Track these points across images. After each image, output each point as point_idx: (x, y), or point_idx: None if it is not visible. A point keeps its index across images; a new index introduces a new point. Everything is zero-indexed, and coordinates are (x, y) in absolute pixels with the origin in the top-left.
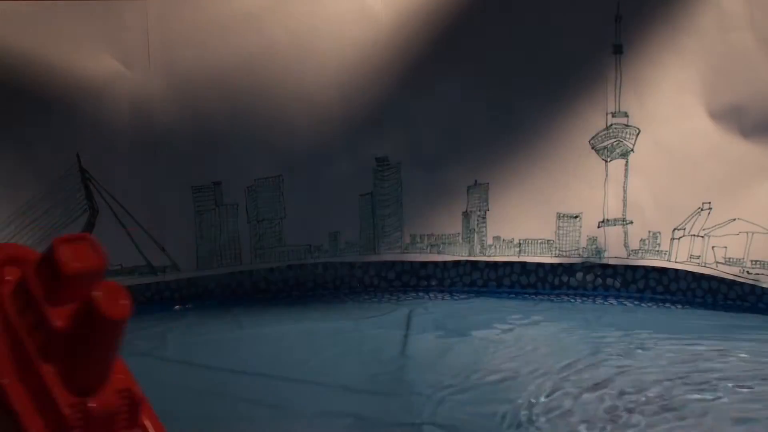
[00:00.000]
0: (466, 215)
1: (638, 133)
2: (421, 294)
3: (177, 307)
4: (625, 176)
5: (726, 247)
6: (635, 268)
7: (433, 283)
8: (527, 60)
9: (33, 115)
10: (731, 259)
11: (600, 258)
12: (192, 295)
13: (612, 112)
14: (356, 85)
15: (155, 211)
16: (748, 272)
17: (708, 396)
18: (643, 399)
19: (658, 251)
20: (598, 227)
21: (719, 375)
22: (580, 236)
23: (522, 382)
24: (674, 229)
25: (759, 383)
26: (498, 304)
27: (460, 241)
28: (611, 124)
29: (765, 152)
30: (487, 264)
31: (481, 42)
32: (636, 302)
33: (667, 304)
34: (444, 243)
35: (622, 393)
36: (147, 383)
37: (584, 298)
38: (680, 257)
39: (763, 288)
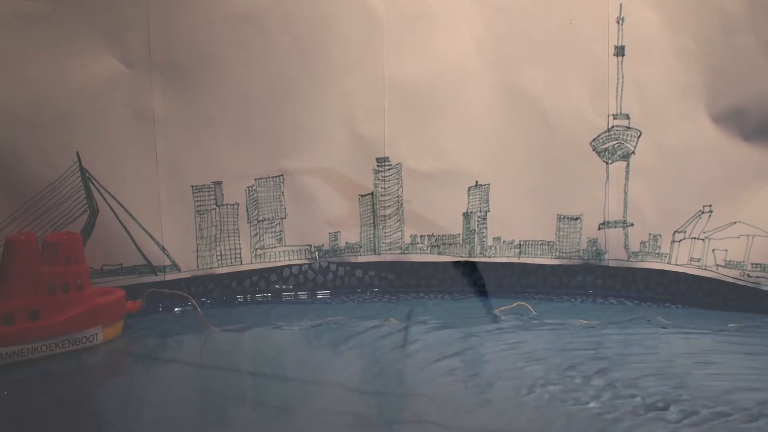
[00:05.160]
0: (466, 216)
1: (639, 135)
2: (421, 294)
3: (177, 308)
4: (626, 178)
5: (726, 250)
6: (635, 270)
7: (434, 283)
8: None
9: (33, 114)
10: (732, 262)
11: (600, 260)
12: (192, 295)
13: (613, 114)
14: (356, 85)
15: (155, 211)
16: (748, 275)
17: None
18: None
19: (658, 253)
20: (599, 229)
21: None
22: (580, 238)
23: (521, 382)
24: (675, 232)
25: None
26: (498, 304)
27: (461, 241)
28: (613, 126)
29: (766, 155)
30: (488, 265)
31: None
32: (636, 302)
33: (667, 304)
34: (444, 243)
35: None
36: (148, 383)
37: (584, 298)
38: (680, 260)
39: (763, 291)
